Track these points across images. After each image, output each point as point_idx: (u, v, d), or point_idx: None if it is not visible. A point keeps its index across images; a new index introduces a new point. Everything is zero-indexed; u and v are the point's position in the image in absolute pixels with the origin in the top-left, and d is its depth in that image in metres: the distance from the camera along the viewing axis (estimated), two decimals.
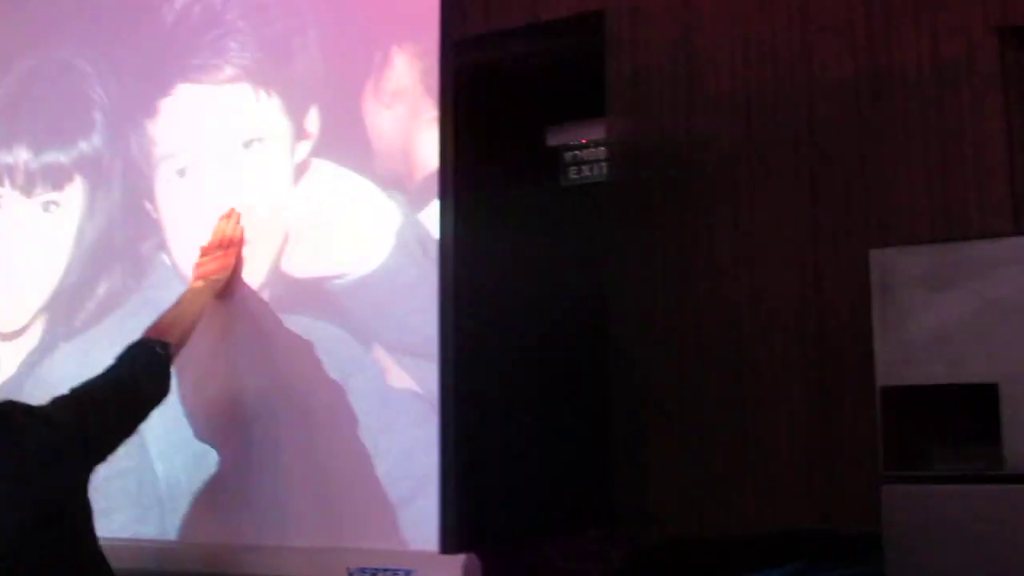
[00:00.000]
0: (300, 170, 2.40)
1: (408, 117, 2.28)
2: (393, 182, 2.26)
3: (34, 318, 2.73)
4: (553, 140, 3.47)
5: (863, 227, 2.88)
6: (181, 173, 2.56)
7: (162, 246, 2.56)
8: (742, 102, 3.10)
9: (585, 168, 3.44)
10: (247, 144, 2.50)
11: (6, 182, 2.83)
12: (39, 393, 2.15)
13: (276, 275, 2.39)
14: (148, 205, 2.57)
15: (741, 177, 3.07)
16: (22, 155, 2.81)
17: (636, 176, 3.22)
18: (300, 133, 2.41)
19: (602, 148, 3.40)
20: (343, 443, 2.26)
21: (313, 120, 2.40)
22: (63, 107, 2.79)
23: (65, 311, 2.67)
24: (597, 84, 3.27)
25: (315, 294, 2.32)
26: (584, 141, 3.46)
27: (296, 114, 2.41)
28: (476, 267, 2.33)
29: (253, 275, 2.42)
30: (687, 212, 3.14)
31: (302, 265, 2.36)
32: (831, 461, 2.86)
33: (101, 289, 2.64)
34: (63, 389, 2.08)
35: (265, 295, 2.40)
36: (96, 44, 2.76)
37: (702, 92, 3.16)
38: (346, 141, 2.35)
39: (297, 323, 2.34)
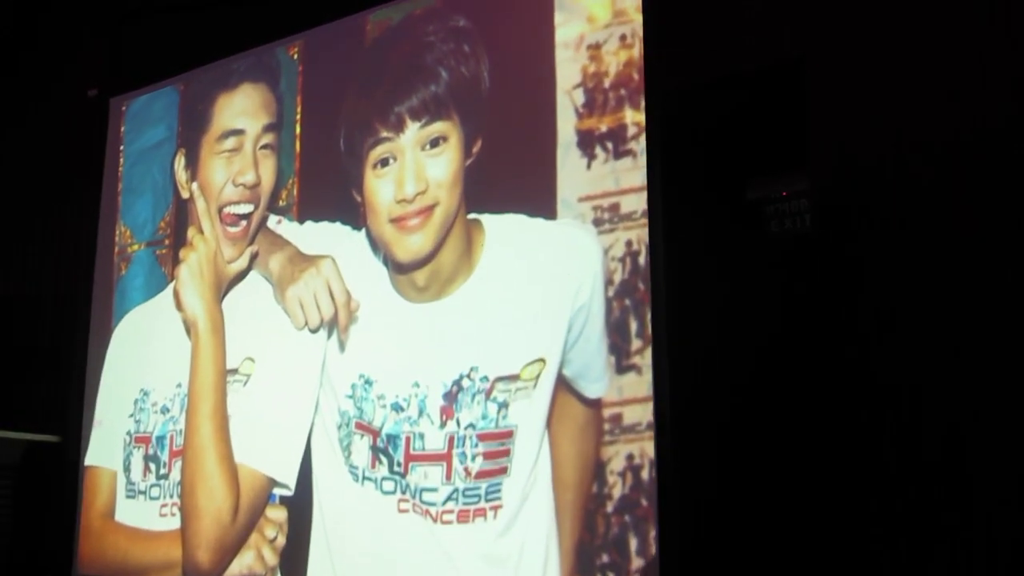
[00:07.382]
0: None
1: None
2: None
3: None
4: (753, 193, 3.37)
5: None
6: None
7: None
8: (952, 147, 2.94)
9: (787, 221, 3.32)
10: None
11: None
12: None
13: None
14: None
15: (951, 227, 2.90)
16: None
17: (841, 228, 3.09)
18: None
19: (804, 200, 3.28)
20: None
21: None
22: None
23: None
24: (797, 133, 3.17)
25: None
26: (785, 194, 3.34)
27: None
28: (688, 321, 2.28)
29: None
30: (897, 264, 2.98)
31: None
32: None
33: None
34: None
35: None
36: None
37: (908, 138, 3.01)
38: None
39: None
